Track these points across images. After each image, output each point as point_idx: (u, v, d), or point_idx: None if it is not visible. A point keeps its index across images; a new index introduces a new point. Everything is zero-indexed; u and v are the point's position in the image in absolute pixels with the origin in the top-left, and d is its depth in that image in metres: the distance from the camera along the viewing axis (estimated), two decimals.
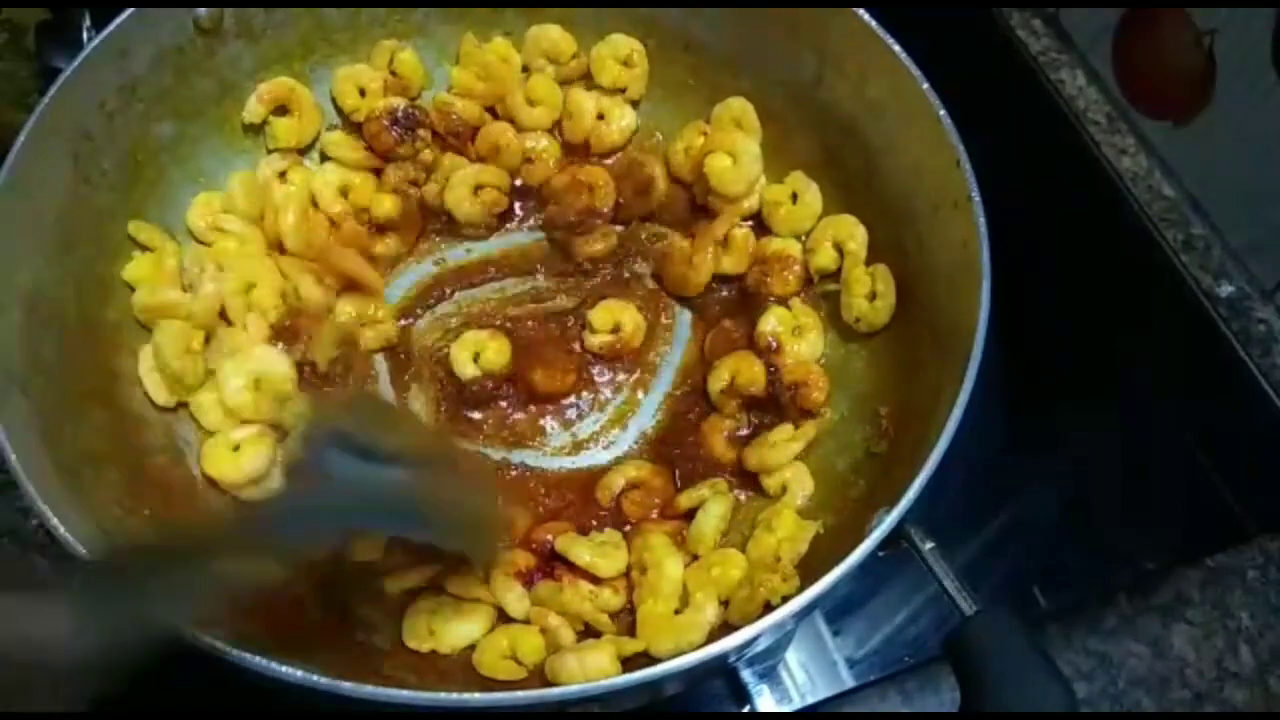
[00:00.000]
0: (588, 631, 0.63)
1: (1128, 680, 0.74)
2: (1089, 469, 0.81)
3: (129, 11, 0.68)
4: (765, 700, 0.71)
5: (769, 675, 0.71)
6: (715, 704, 0.72)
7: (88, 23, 0.83)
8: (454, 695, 0.50)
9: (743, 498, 0.71)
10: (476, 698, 0.50)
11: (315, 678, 0.49)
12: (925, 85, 0.66)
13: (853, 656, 0.73)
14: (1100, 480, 0.80)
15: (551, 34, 0.81)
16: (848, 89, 0.73)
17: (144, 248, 0.72)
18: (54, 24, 0.87)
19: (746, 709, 0.71)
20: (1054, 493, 0.80)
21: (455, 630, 0.63)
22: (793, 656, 0.73)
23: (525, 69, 0.83)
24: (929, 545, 0.56)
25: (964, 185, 0.64)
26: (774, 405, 0.73)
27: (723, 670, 0.70)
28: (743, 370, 0.73)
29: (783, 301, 0.76)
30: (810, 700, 0.71)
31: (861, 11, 0.69)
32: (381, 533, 0.62)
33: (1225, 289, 0.88)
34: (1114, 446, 0.82)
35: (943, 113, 0.66)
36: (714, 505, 0.67)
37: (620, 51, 0.81)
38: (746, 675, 0.72)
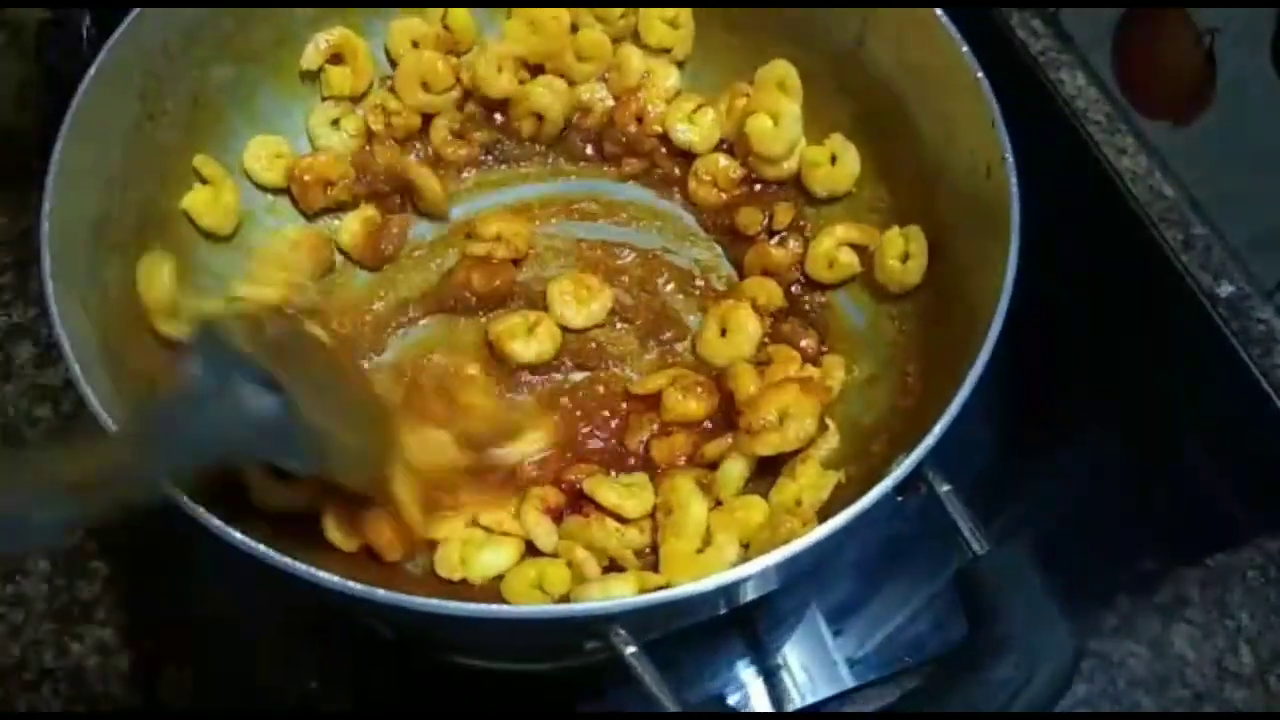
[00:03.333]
0: (612, 567, 0.65)
1: (1128, 680, 0.74)
2: (1088, 469, 0.81)
3: None
4: (765, 700, 0.71)
5: (772, 675, 0.72)
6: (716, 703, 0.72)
7: (88, 22, 0.83)
8: (483, 606, 0.52)
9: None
10: (505, 609, 0.53)
11: (363, 587, 0.50)
12: (965, 49, 0.68)
13: (853, 656, 0.73)
14: (1100, 480, 0.80)
15: None
16: (888, 52, 0.75)
17: (205, 181, 0.75)
18: (54, 24, 0.87)
19: (748, 707, 0.72)
20: (1053, 492, 0.80)
21: (485, 560, 0.65)
22: (793, 656, 0.73)
23: (574, 27, 0.84)
24: (946, 488, 0.57)
25: (998, 146, 0.65)
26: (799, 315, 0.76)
27: (737, 621, 0.72)
28: (760, 294, 0.76)
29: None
30: (810, 700, 0.71)
31: None
32: (261, 457, 0.58)
33: (1225, 289, 0.88)
34: (1113, 446, 0.82)
35: (980, 75, 0.67)
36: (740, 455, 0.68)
37: (667, 12, 0.83)
38: (747, 674, 0.72)
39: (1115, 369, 0.85)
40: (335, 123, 0.81)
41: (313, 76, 0.81)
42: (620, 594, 0.59)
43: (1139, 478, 0.80)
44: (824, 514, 0.62)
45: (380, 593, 0.50)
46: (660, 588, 0.59)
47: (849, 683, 0.72)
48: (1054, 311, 0.86)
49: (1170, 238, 0.89)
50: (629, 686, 0.66)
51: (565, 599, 0.62)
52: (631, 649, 0.51)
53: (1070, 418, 0.84)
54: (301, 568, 0.51)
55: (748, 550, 0.63)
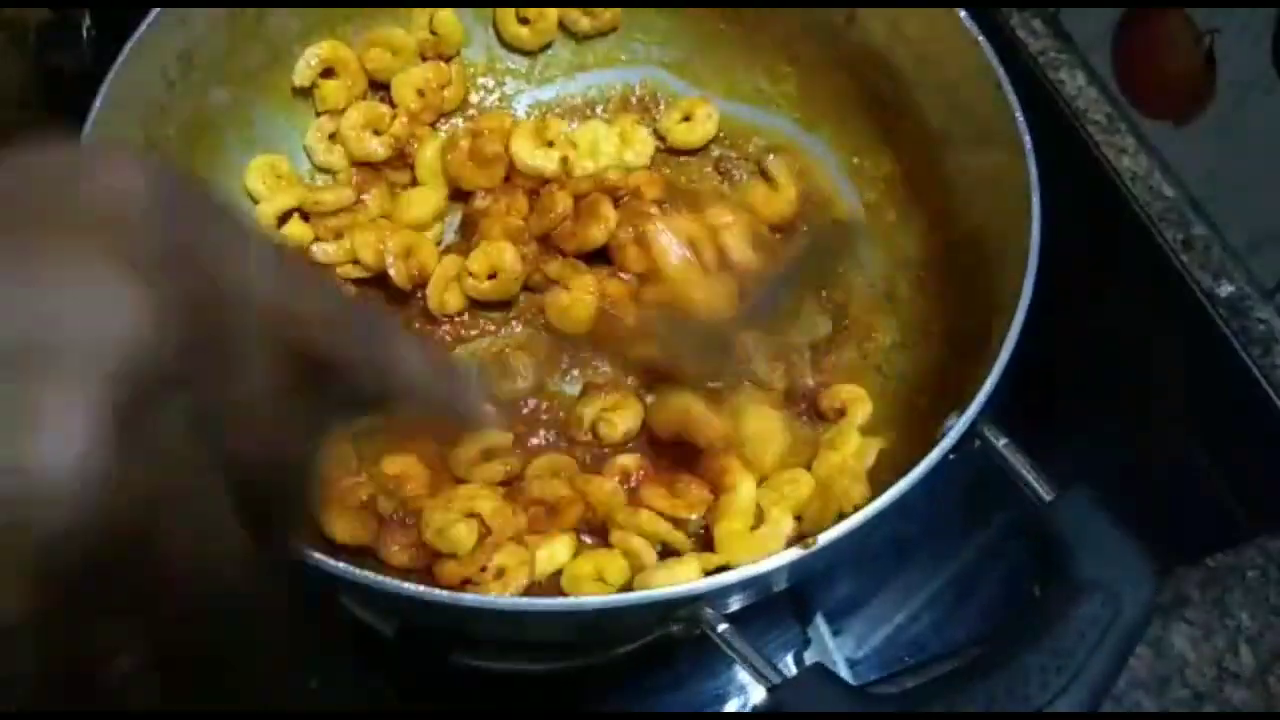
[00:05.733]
0: (665, 553, 0.65)
1: (1128, 680, 0.74)
2: (1087, 469, 0.81)
3: None
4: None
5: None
6: (717, 703, 0.72)
7: (88, 22, 0.83)
8: (575, 600, 0.53)
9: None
10: (625, 598, 0.54)
11: (474, 597, 0.52)
12: (963, 14, 0.68)
13: (853, 656, 0.73)
14: (1098, 480, 0.80)
15: None
16: (882, 25, 0.75)
17: None
18: (54, 24, 0.87)
19: (748, 708, 0.71)
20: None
21: (543, 556, 0.65)
22: (791, 656, 0.73)
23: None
24: (1004, 440, 0.57)
25: (1006, 107, 0.65)
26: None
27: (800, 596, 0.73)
28: None
29: None
30: None
31: None
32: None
33: (1225, 289, 0.88)
34: (1113, 446, 0.82)
35: (980, 38, 0.67)
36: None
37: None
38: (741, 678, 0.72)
39: (1114, 369, 0.85)
40: (332, 137, 0.81)
41: (306, 93, 0.80)
42: (687, 577, 0.59)
43: (1138, 478, 0.80)
44: (872, 481, 0.63)
45: (492, 598, 0.53)
46: (722, 567, 0.60)
47: (849, 683, 0.72)
48: (1052, 311, 0.86)
49: (1170, 238, 0.89)
50: (627, 685, 0.66)
51: (627, 588, 0.62)
52: (724, 626, 0.52)
53: (1068, 417, 0.84)
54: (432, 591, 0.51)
55: (800, 522, 0.63)
